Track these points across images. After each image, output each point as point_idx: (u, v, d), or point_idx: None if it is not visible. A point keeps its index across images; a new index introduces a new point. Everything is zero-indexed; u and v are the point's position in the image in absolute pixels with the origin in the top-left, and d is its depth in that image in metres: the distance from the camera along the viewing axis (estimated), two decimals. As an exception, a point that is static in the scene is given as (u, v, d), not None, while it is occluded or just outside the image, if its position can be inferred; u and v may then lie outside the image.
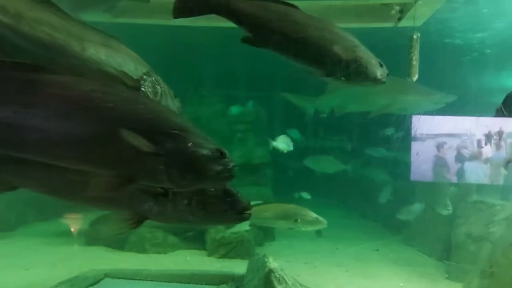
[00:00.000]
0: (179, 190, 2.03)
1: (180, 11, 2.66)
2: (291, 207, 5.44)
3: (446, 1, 4.88)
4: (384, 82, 3.01)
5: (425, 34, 4.27)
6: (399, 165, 8.89)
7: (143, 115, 1.78)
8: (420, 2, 4.57)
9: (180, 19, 2.70)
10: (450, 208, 6.89)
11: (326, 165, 10.19)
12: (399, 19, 4.98)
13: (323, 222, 5.34)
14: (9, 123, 1.75)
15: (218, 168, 1.88)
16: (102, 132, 1.75)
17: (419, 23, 4.99)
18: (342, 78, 2.90)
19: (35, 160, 1.88)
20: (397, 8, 4.79)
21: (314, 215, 5.27)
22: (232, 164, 1.94)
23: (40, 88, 1.77)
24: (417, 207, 8.04)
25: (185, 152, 1.81)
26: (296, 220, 5.19)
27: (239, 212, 2.20)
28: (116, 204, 2.14)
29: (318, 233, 9.06)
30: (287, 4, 2.85)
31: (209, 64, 11.78)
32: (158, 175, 1.80)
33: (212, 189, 2.13)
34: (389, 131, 9.47)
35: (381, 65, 2.97)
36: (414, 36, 4.17)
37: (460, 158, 4.41)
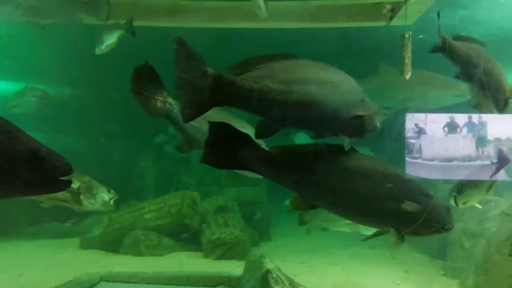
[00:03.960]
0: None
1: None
2: None
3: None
4: None
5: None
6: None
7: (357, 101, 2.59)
8: (411, 1, 4.59)
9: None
10: None
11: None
12: (391, 18, 4.99)
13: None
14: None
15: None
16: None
17: (410, 21, 5.01)
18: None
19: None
20: (389, 7, 4.81)
21: None
22: None
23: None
24: None
25: (370, 118, 2.61)
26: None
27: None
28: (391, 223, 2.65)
29: (308, 231, 9.08)
30: (477, 42, 3.60)
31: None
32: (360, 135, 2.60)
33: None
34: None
35: None
36: (406, 35, 4.18)
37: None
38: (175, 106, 3.05)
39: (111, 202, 4.25)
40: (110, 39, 4.98)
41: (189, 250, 7.59)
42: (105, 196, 4.18)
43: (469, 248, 6.13)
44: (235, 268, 5.72)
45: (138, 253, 7.25)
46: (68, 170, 1.93)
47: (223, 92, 2.26)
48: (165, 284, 5.32)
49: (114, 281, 5.36)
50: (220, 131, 2.40)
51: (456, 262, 6.34)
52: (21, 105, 9.23)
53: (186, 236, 7.80)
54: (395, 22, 5.07)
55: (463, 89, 6.19)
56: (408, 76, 4.26)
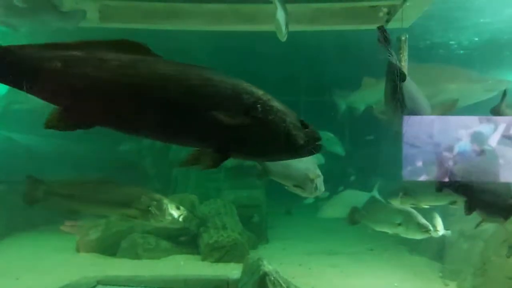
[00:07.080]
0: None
1: None
2: (398, 210, 4.87)
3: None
4: None
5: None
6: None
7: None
8: (407, 4, 4.62)
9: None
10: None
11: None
12: (387, 21, 5.03)
13: (429, 229, 4.68)
14: None
15: None
16: None
17: (406, 24, 5.04)
18: None
19: None
20: (385, 10, 4.84)
21: (421, 220, 4.63)
22: None
23: None
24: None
25: None
26: (399, 224, 4.75)
27: None
28: None
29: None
30: None
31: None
32: None
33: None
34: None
35: None
36: (403, 38, 4.21)
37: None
38: None
39: (180, 219, 4.28)
40: None
41: (187, 253, 7.57)
42: (174, 213, 4.21)
43: (467, 250, 6.14)
44: (233, 271, 5.71)
45: (135, 256, 7.22)
46: (319, 138, 2.24)
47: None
48: (163, 288, 5.30)
49: (111, 285, 5.33)
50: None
51: (454, 264, 6.35)
52: (19, 101, 9.07)
53: (184, 239, 7.77)
54: (392, 25, 5.11)
55: (491, 84, 5.95)
56: (405, 79, 4.27)
